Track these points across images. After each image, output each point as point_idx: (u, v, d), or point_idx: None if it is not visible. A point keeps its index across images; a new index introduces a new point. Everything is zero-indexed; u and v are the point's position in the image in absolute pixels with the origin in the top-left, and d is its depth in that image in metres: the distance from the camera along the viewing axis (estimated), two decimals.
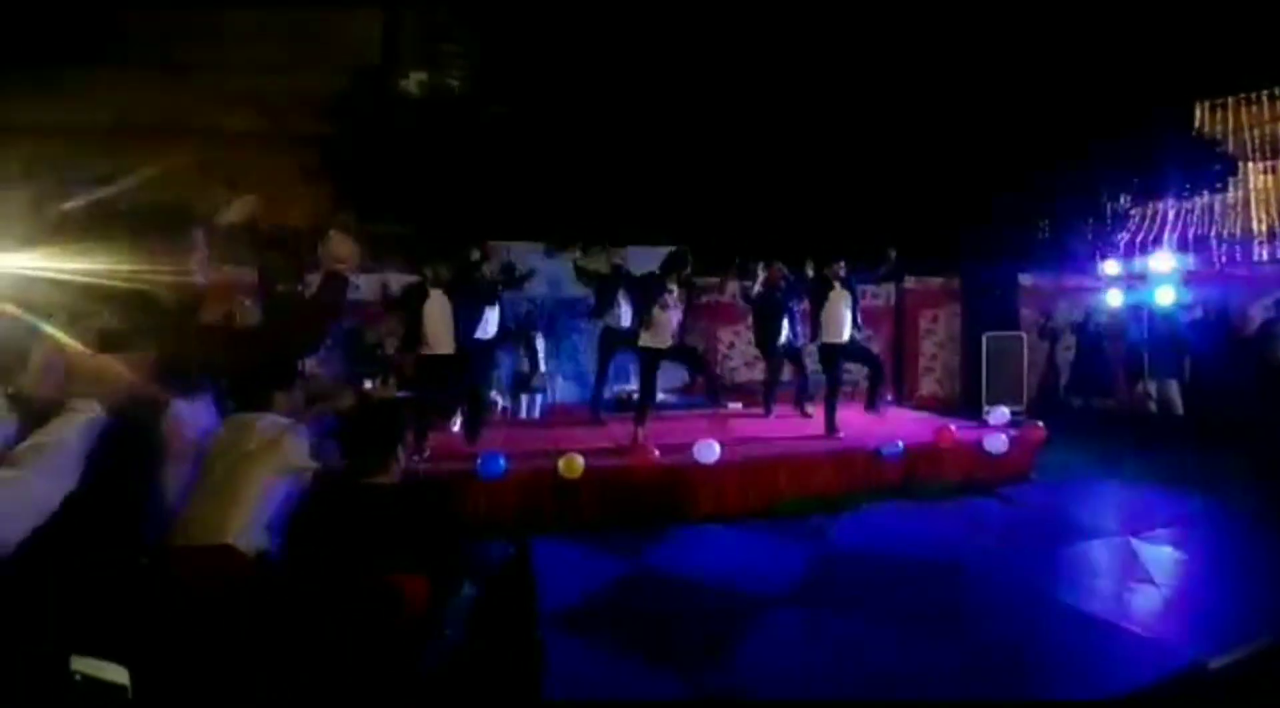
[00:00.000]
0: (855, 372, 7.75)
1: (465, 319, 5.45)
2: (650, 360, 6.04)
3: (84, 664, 1.53)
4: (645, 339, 6.02)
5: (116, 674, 1.54)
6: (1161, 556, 4.45)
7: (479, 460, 4.85)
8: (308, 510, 2.18)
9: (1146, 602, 3.81)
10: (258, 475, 2.31)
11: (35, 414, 1.60)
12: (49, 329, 1.74)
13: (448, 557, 2.76)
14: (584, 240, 8.67)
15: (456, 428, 6.28)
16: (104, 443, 1.57)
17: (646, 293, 6.00)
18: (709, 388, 7.02)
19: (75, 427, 1.57)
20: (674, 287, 5.95)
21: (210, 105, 10.98)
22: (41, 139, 10.20)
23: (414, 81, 11.23)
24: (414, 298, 5.43)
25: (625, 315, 6.50)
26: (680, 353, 6.22)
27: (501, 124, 10.39)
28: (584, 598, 3.75)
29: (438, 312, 5.36)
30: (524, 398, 7.85)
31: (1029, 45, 10.65)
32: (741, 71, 10.43)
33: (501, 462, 4.86)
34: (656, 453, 5.25)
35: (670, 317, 5.95)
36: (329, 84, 10.36)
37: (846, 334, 6.45)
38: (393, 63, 12.11)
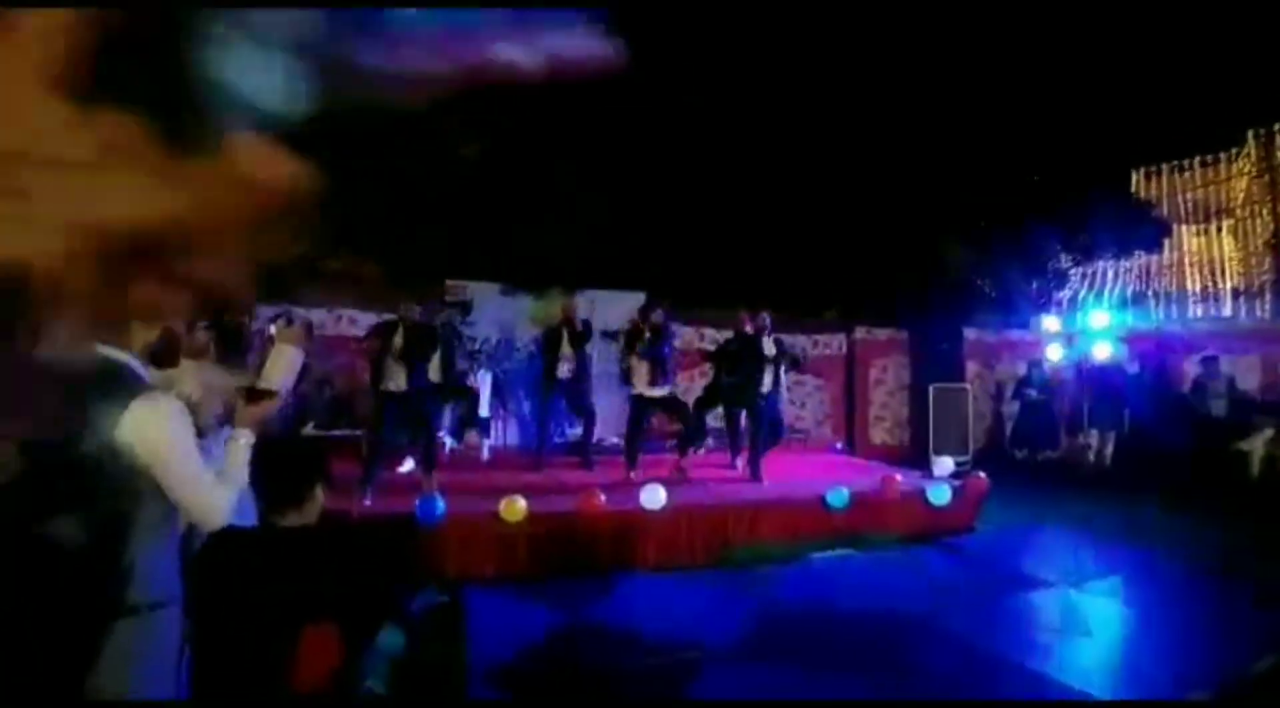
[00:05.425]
0: (807, 418, 7.73)
1: (419, 359, 5.41)
2: (637, 408, 6.25)
3: None
4: (635, 387, 6.25)
5: None
6: (1098, 606, 4.51)
7: (417, 504, 4.73)
8: (207, 556, 2.06)
9: (1084, 653, 3.84)
10: None
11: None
12: None
13: (365, 604, 2.63)
14: (542, 283, 8.68)
15: (406, 469, 6.17)
16: None
17: (628, 343, 6.24)
18: (684, 436, 6.71)
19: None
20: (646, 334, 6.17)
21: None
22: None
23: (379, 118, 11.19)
24: (386, 335, 5.41)
25: (567, 367, 6.57)
26: (666, 403, 6.44)
27: (470, 162, 10.40)
28: (517, 653, 3.62)
29: (402, 349, 5.35)
30: (482, 441, 7.54)
31: (973, 114, 11.14)
32: (699, 131, 10.67)
33: (439, 505, 4.74)
34: (603, 498, 5.19)
35: (644, 365, 6.16)
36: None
37: (764, 386, 6.53)
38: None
